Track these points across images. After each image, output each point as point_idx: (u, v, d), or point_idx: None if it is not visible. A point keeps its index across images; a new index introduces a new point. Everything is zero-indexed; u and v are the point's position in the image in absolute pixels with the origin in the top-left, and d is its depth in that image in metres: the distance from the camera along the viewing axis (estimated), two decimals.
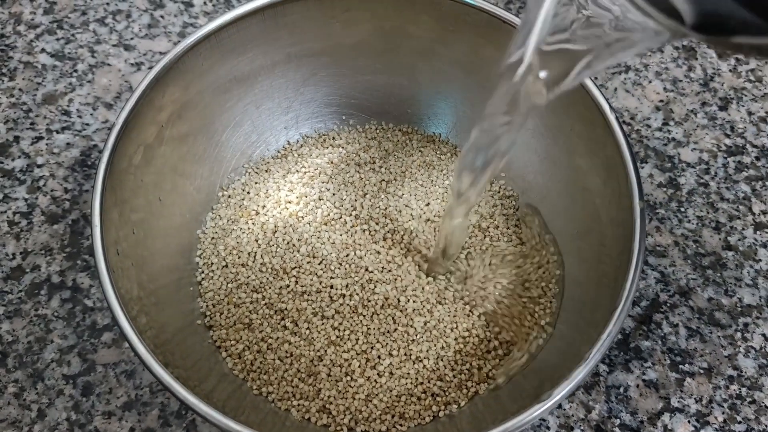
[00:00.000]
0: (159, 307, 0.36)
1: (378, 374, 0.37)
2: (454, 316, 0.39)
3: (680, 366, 0.40)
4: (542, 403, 0.28)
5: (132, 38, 0.50)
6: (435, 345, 0.38)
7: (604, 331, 0.29)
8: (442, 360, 0.38)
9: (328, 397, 0.37)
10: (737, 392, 0.39)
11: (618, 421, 0.38)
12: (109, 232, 0.32)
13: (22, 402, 0.37)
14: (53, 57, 0.48)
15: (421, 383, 0.37)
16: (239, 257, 0.40)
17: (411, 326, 0.38)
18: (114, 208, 0.33)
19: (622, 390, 0.39)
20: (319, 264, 0.40)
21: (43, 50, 0.49)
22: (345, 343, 0.38)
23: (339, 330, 0.38)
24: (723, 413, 0.38)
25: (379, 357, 0.38)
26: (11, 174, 0.44)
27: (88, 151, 0.45)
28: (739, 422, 0.38)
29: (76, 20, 0.50)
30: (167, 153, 0.38)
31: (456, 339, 0.38)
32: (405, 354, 0.38)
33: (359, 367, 0.37)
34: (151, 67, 0.35)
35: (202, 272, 0.40)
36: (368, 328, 0.38)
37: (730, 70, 0.50)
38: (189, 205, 0.41)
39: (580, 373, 0.28)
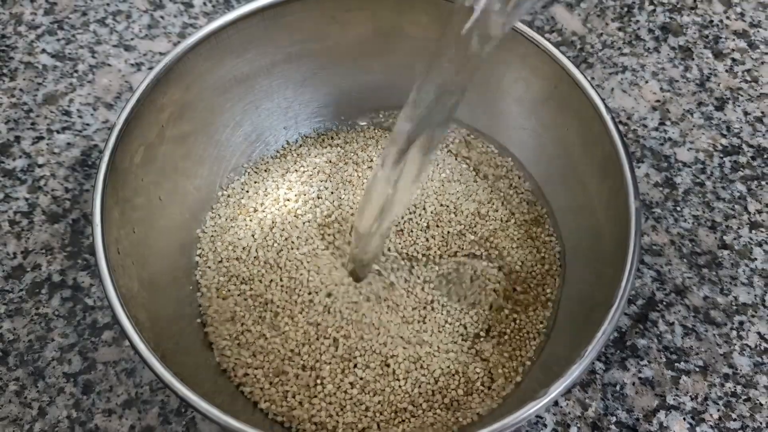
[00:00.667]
0: (159, 305, 0.36)
1: (350, 384, 0.37)
2: (441, 340, 0.38)
3: (676, 364, 0.40)
4: (538, 400, 0.28)
5: (132, 39, 0.50)
6: (416, 369, 0.37)
7: (600, 329, 0.30)
8: (419, 386, 0.37)
9: (294, 398, 0.36)
10: (732, 390, 0.39)
11: (614, 419, 0.38)
12: (109, 231, 0.33)
13: (23, 400, 0.37)
14: (54, 57, 0.49)
15: (391, 403, 0.36)
16: (234, 252, 0.41)
17: (395, 337, 0.38)
18: (115, 208, 0.34)
19: (618, 388, 0.39)
20: (308, 262, 0.40)
21: (43, 51, 0.49)
22: (321, 343, 0.37)
23: (318, 328, 0.38)
24: (718, 411, 0.39)
25: (355, 366, 0.37)
26: (12, 174, 0.44)
27: (89, 151, 0.45)
28: (734, 420, 0.39)
29: (76, 21, 0.50)
30: (168, 153, 0.38)
31: (441, 368, 0.37)
32: (381, 369, 0.37)
33: (330, 374, 0.37)
34: (151, 68, 0.36)
35: (201, 270, 0.41)
36: (348, 331, 0.38)
37: (726, 71, 0.51)
38: (189, 204, 0.41)
39: (575, 371, 0.29)
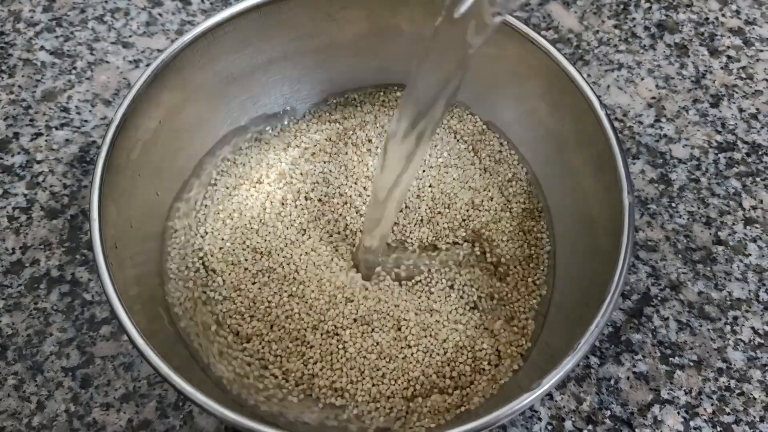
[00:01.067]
0: (157, 298, 0.36)
1: (368, 349, 0.38)
2: (449, 311, 0.39)
3: (670, 358, 0.40)
4: (532, 392, 0.28)
5: (130, 36, 0.50)
6: (426, 337, 0.38)
7: (593, 322, 0.30)
8: (429, 355, 0.38)
9: (316, 365, 0.37)
10: (726, 384, 0.40)
11: (608, 413, 0.39)
12: (107, 227, 0.33)
13: (22, 394, 0.38)
14: (52, 54, 0.49)
15: (405, 371, 0.37)
16: (240, 219, 0.41)
17: (407, 301, 0.39)
18: (112, 203, 0.34)
19: (612, 382, 0.39)
20: (325, 242, 0.41)
21: (42, 48, 0.49)
22: (344, 307, 0.38)
23: (344, 291, 0.39)
24: (712, 405, 0.39)
25: (372, 330, 0.38)
26: (11, 170, 0.44)
27: (87, 147, 0.45)
28: (728, 414, 0.39)
29: (75, 18, 0.51)
30: (165, 148, 0.38)
31: (449, 338, 0.38)
32: (395, 333, 0.38)
33: (351, 338, 0.38)
34: (149, 65, 0.36)
35: (205, 240, 0.41)
36: (367, 293, 0.39)
37: (722, 68, 0.51)
38: (186, 198, 0.41)
39: (568, 363, 0.29)
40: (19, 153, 0.45)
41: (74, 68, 0.48)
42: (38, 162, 0.45)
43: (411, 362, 0.38)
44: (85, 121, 0.46)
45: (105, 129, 0.46)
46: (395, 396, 0.37)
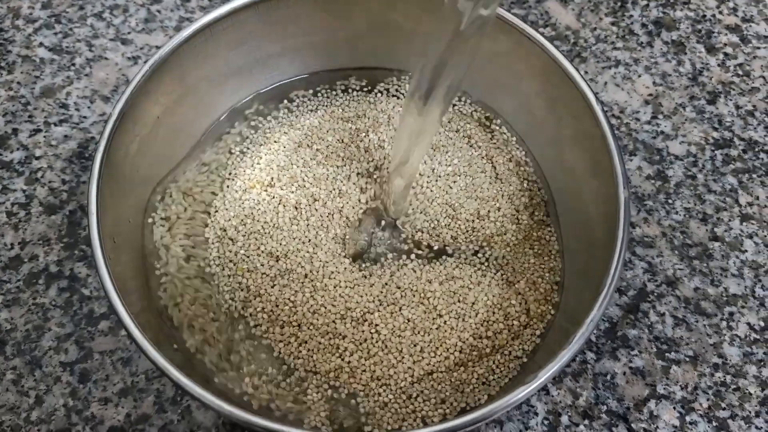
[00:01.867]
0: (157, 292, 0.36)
1: (401, 327, 0.37)
2: (470, 274, 0.39)
3: (666, 354, 0.40)
4: (527, 385, 0.29)
5: (129, 32, 0.50)
6: (455, 303, 0.38)
7: (588, 316, 0.30)
8: (462, 319, 0.38)
9: (353, 356, 0.37)
10: (722, 379, 0.40)
11: (605, 408, 0.39)
12: (105, 222, 0.33)
13: (21, 388, 0.38)
14: (51, 51, 0.49)
15: (441, 340, 0.37)
16: (254, 225, 0.40)
17: (428, 272, 0.39)
18: (110, 198, 0.34)
19: (609, 377, 0.40)
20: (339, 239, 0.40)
21: (41, 44, 0.49)
22: (367, 292, 0.38)
23: (368, 278, 0.39)
24: (708, 400, 0.39)
25: (400, 309, 0.38)
26: (10, 166, 0.44)
27: (86, 143, 0.46)
28: (724, 409, 0.39)
29: (73, 15, 0.51)
30: (164, 144, 0.39)
31: (478, 299, 0.38)
32: (424, 307, 0.38)
33: (381, 320, 0.37)
34: (147, 61, 0.36)
35: (215, 247, 0.40)
36: (383, 272, 0.39)
37: (719, 65, 0.51)
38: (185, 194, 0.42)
39: (564, 356, 0.29)
40: (18, 149, 0.45)
41: (73, 65, 0.49)
42: (37, 158, 0.45)
43: (445, 330, 0.37)
44: (84, 117, 0.47)
45: (103, 125, 0.46)
46: (438, 371, 0.37)
